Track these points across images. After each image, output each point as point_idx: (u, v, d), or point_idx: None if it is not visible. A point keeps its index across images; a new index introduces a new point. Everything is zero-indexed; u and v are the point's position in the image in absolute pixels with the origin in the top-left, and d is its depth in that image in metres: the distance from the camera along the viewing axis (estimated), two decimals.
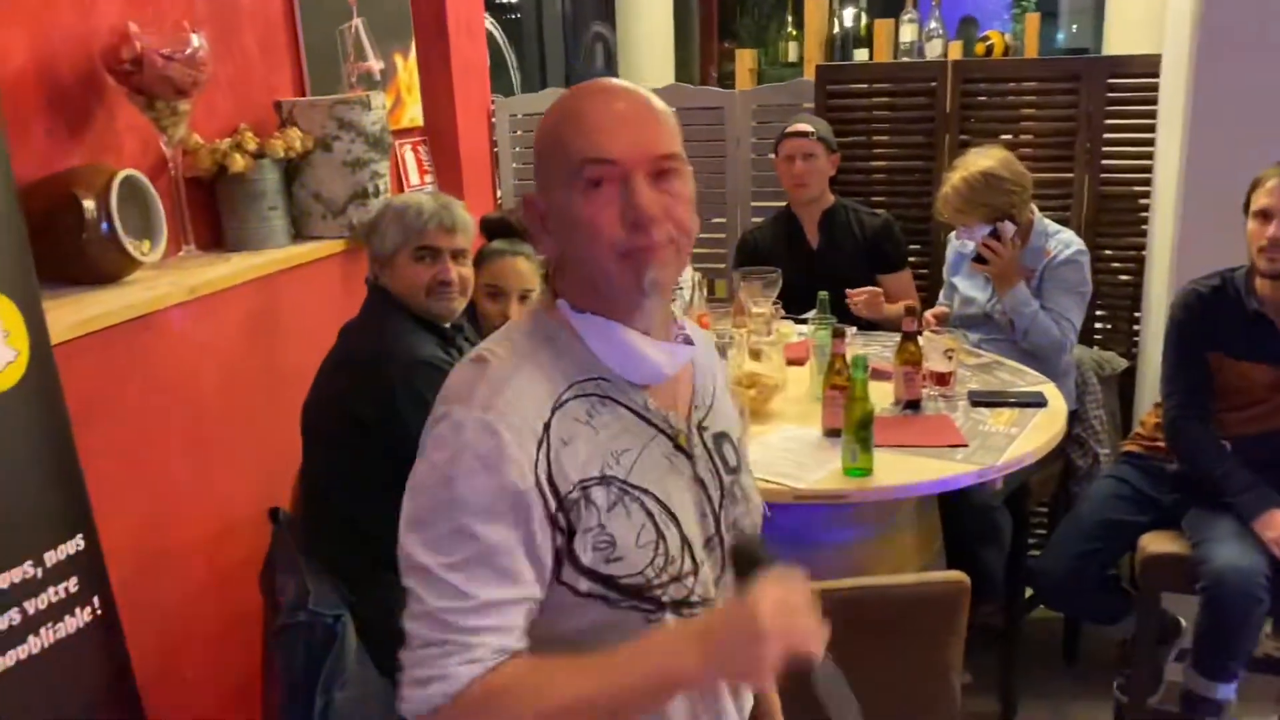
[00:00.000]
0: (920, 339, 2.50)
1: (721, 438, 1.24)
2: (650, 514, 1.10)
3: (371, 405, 1.96)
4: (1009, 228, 2.83)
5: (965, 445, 2.21)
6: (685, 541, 1.13)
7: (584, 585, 1.07)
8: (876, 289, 3.09)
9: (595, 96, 1.12)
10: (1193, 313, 2.48)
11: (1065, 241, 2.91)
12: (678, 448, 1.16)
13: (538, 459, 1.04)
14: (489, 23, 3.78)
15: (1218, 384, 2.47)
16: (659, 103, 1.12)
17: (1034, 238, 2.92)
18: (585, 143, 1.07)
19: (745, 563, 1.08)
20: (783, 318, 2.98)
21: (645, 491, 1.10)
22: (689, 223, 1.10)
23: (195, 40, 2.14)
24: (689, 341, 1.20)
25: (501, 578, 1.02)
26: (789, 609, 1.01)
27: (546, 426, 1.06)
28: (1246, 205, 2.39)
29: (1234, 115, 2.75)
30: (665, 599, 1.11)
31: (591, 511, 1.07)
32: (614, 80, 1.16)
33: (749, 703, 1.30)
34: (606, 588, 1.08)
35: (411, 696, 1.01)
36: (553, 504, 1.05)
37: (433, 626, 1.01)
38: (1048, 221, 2.98)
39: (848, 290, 3.03)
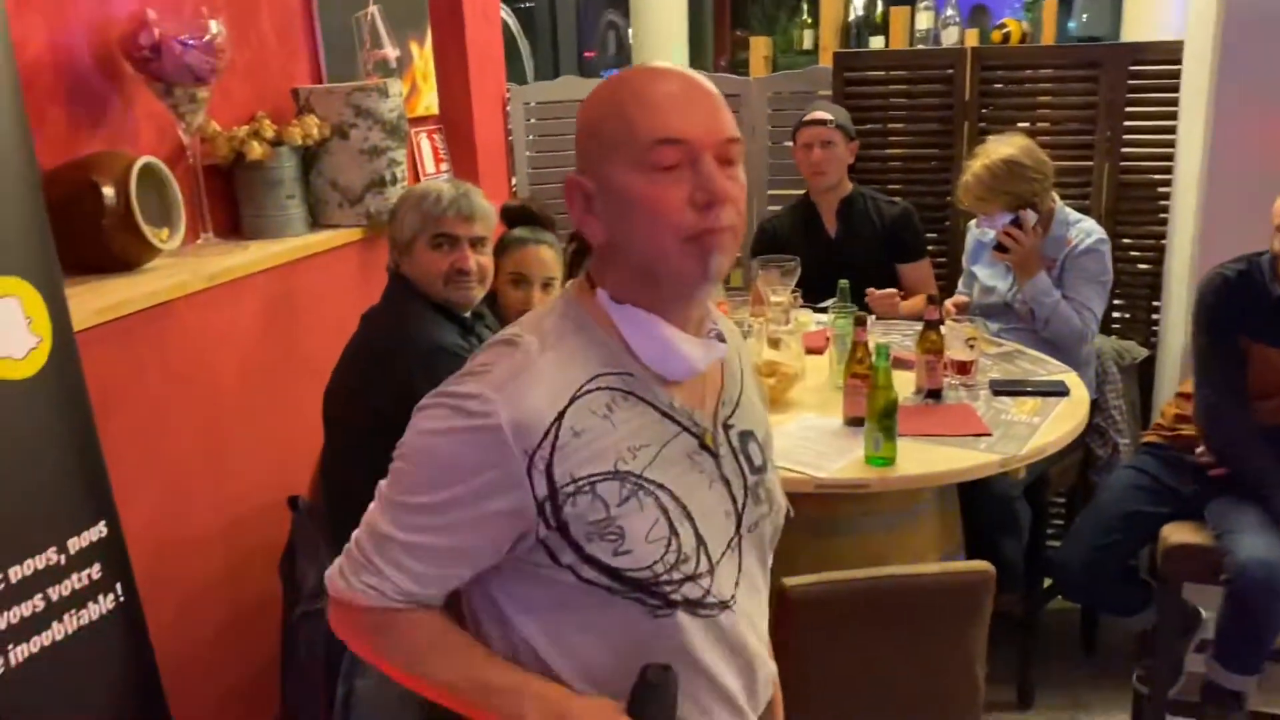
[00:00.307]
0: (942, 328, 2.48)
1: (747, 436, 1.21)
2: (664, 510, 1.09)
3: (390, 393, 1.93)
4: (1031, 216, 2.81)
5: (989, 434, 2.20)
6: (700, 541, 1.11)
7: (587, 572, 1.07)
8: (892, 290, 3.07)
9: (662, 77, 1.09)
10: (1222, 297, 2.44)
11: (1086, 230, 2.89)
12: (703, 446, 1.15)
13: (539, 446, 1.04)
14: (503, 11, 3.76)
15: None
16: (715, 87, 1.11)
17: (1055, 226, 2.89)
18: (658, 122, 1.05)
19: (645, 700, 1.07)
20: (801, 306, 2.96)
21: (661, 487, 1.09)
22: (744, 210, 1.09)
23: (213, 27, 2.12)
24: (721, 339, 1.19)
25: (442, 535, 1.07)
26: None
27: (560, 415, 1.05)
28: None
29: (1258, 103, 2.72)
30: (676, 597, 1.09)
31: (597, 505, 1.06)
32: (668, 64, 1.13)
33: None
34: (611, 578, 1.07)
35: (330, 570, 1.14)
36: (541, 491, 1.04)
37: (368, 538, 1.11)
38: (1069, 210, 2.95)
39: (868, 290, 3.01)
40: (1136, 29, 4.70)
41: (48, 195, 1.63)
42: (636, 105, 1.06)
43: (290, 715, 2.02)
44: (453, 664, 1.11)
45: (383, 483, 1.12)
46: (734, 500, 1.17)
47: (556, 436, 1.04)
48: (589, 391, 1.08)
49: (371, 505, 1.12)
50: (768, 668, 1.26)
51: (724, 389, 1.21)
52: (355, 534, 1.13)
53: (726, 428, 1.19)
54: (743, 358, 1.29)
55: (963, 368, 2.51)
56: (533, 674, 1.11)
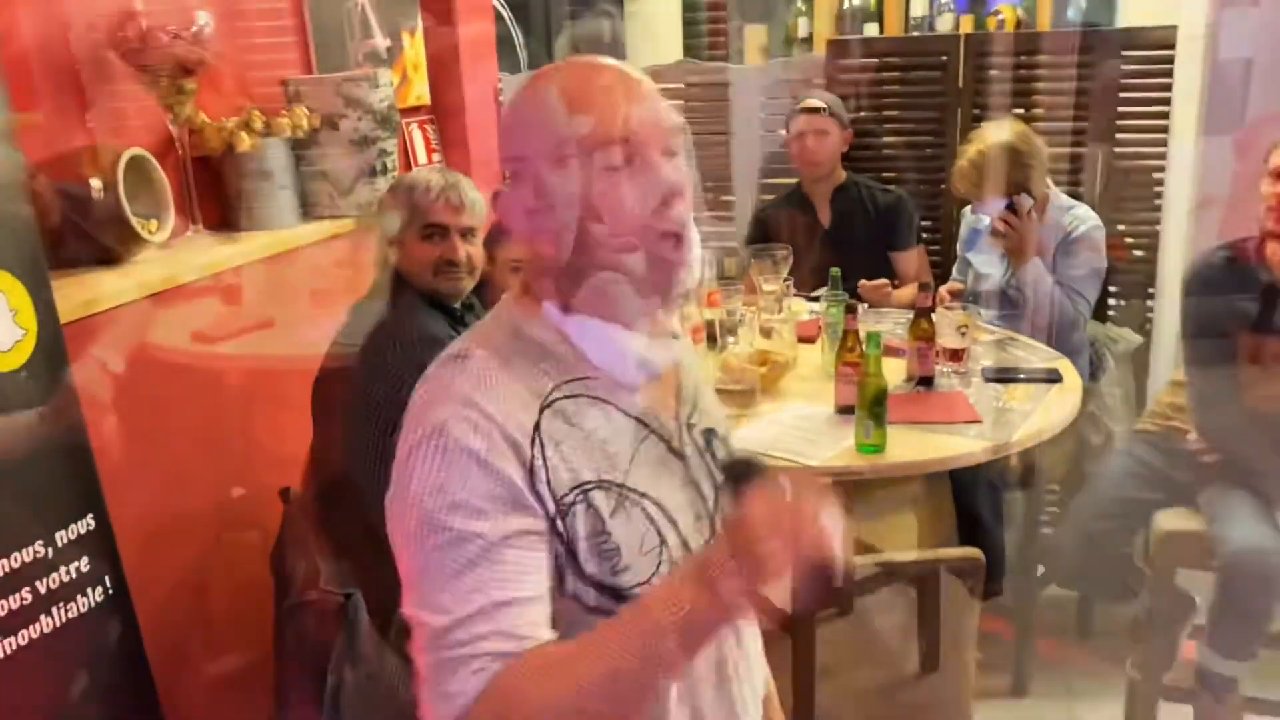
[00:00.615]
0: (934, 315, 2.48)
1: (710, 434, 1.17)
2: (651, 519, 1.04)
3: (380, 383, 1.94)
4: (1026, 201, 2.81)
5: (979, 421, 2.20)
6: (686, 546, 1.07)
7: (592, 598, 1.01)
8: (883, 280, 3.06)
9: (594, 72, 1.03)
10: (1209, 285, 2.43)
11: (1081, 217, 2.89)
12: (670, 450, 1.10)
13: (532, 457, 0.99)
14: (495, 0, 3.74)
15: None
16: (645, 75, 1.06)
17: (1050, 213, 2.89)
18: (600, 121, 0.99)
19: (740, 475, 0.96)
20: (794, 295, 2.96)
21: (644, 495, 1.05)
22: (690, 201, 1.05)
23: (201, 18, 2.11)
24: (675, 335, 1.13)
25: (503, 578, 0.96)
26: (789, 509, 0.90)
27: (536, 426, 1.00)
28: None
29: (1252, 88, 2.71)
30: None
31: (592, 516, 1.01)
32: (596, 57, 1.06)
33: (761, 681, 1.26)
34: (614, 599, 1.01)
35: (432, 712, 0.97)
36: (551, 507, 0.99)
37: (434, 648, 0.96)
38: (1064, 196, 2.95)
39: (860, 282, 3.00)
40: (1137, 17, 4.68)
41: (35, 188, 1.63)
42: (572, 105, 1.01)
43: (282, 707, 2.03)
44: (580, 663, 0.94)
45: (405, 603, 0.99)
46: (704, 501, 1.12)
47: (542, 447, 0.99)
48: (554, 401, 1.02)
49: (413, 639, 0.98)
50: (754, 682, 1.20)
51: (682, 387, 1.16)
52: (418, 666, 0.97)
53: (689, 427, 1.14)
54: (692, 356, 1.24)
55: (955, 355, 2.51)
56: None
